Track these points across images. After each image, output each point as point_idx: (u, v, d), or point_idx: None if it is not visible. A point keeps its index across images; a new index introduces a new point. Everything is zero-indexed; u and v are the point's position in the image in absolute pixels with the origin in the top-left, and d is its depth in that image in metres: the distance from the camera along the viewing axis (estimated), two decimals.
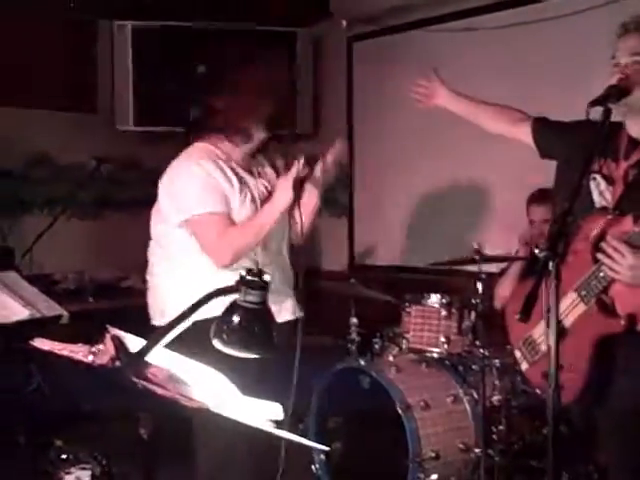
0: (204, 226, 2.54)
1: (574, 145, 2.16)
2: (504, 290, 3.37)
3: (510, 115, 2.50)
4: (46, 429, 3.71)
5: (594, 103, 2.02)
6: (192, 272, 2.58)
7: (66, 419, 3.78)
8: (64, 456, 3.51)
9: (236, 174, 2.61)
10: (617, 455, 2.25)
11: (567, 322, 2.08)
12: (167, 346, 1.40)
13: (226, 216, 2.55)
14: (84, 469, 3.46)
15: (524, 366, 2.26)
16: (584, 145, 2.00)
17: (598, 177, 2.13)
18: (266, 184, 2.71)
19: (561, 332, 2.07)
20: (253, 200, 2.62)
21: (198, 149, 2.64)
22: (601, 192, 2.11)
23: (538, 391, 2.30)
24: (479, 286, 3.25)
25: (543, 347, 2.18)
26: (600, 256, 1.98)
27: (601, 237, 2.04)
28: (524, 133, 2.44)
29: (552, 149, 2.35)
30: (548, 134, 2.38)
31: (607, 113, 2.01)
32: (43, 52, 4.61)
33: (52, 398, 3.78)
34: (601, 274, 2.00)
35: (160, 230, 2.65)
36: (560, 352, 2.04)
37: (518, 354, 2.28)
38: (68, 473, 3.45)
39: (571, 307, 2.07)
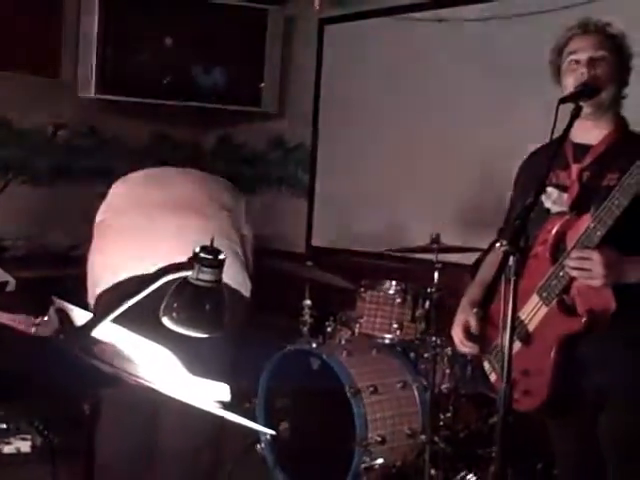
0: None
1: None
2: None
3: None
4: None
5: (565, 100, 2.02)
6: None
7: (8, 389, 3.71)
8: (4, 426, 3.46)
9: None
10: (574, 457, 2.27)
11: (531, 326, 2.07)
12: (115, 321, 1.37)
13: None
14: (24, 439, 3.41)
15: (492, 377, 2.23)
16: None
17: (549, 189, 2.13)
18: None
19: (526, 337, 2.08)
20: None
21: None
22: (555, 201, 2.12)
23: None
24: (435, 275, 3.26)
25: None
26: (574, 273, 1.96)
27: (559, 238, 2.04)
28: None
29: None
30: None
31: (577, 110, 2.01)
32: (6, 13, 4.48)
33: None
34: (560, 273, 2.00)
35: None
36: (526, 357, 2.05)
37: (487, 366, 2.26)
38: (8, 443, 3.41)
39: (534, 310, 2.06)
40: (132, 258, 2.57)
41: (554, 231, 2.04)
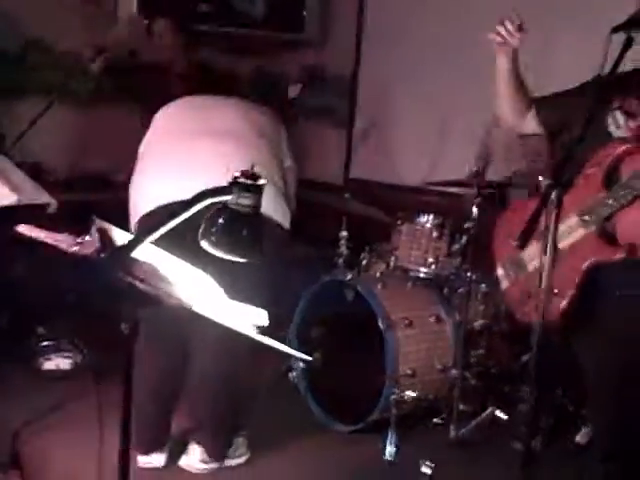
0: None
1: (571, 109, 2.12)
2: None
3: (523, 104, 2.40)
4: (29, 316, 3.74)
5: (617, 29, 1.94)
6: None
7: (50, 308, 3.80)
8: (45, 343, 3.54)
9: None
10: (594, 383, 2.28)
11: (562, 244, 2.04)
12: (155, 243, 1.37)
13: None
14: (65, 357, 3.50)
15: (504, 284, 2.25)
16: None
17: (617, 112, 2.07)
18: None
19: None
20: None
21: None
22: (619, 126, 2.06)
23: (513, 312, 2.29)
24: (474, 210, 3.22)
25: (529, 268, 2.17)
26: None
27: (615, 164, 2.00)
28: (529, 121, 2.39)
29: (550, 122, 2.30)
30: (545, 109, 2.34)
31: (629, 41, 1.93)
32: None
33: (37, 286, 3.78)
34: (609, 201, 1.97)
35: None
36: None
37: (500, 272, 2.27)
38: (48, 359, 3.50)
39: (569, 230, 2.04)
40: (171, 184, 2.58)
41: (612, 156, 2.00)
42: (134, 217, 2.72)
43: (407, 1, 4.52)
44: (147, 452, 2.79)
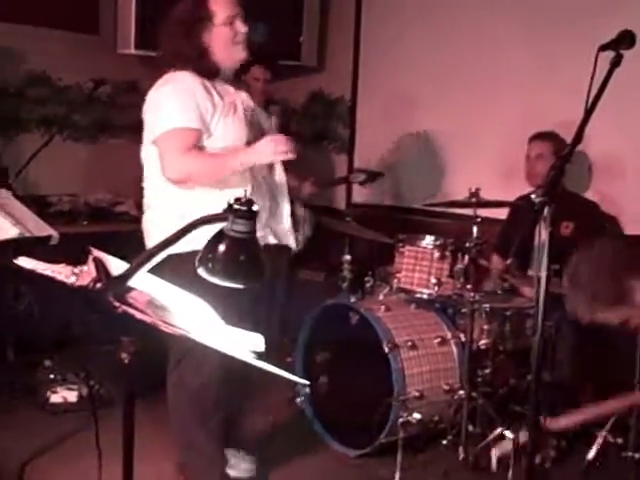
0: (169, 139, 2.50)
1: None
2: None
3: None
4: (35, 348, 3.75)
5: (605, 47, 1.95)
6: (178, 196, 2.57)
7: (55, 340, 3.81)
8: (52, 376, 3.55)
9: (219, 94, 2.60)
10: None
11: None
12: (151, 271, 1.38)
13: (193, 133, 2.52)
14: (71, 389, 3.51)
15: None
16: None
17: None
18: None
19: None
20: (240, 120, 2.62)
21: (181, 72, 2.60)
22: None
23: None
24: (474, 230, 3.23)
25: None
26: None
27: None
28: None
29: None
30: None
31: (618, 59, 1.94)
32: None
33: (42, 318, 3.80)
34: None
35: (144, 152, 2.66)
36: None
37: None
38: (55, 392, 3.51)
39: None
40: None
41: None
42: None
43: (401, 21, 4.57)
44: None
